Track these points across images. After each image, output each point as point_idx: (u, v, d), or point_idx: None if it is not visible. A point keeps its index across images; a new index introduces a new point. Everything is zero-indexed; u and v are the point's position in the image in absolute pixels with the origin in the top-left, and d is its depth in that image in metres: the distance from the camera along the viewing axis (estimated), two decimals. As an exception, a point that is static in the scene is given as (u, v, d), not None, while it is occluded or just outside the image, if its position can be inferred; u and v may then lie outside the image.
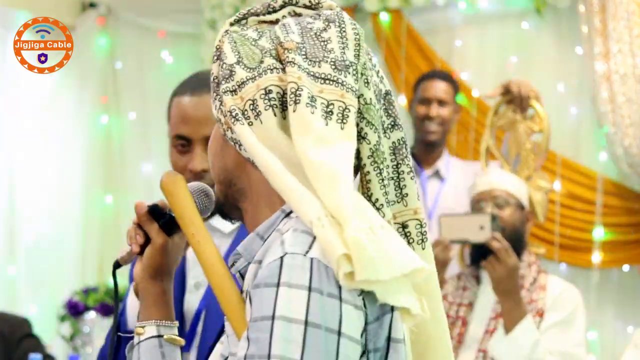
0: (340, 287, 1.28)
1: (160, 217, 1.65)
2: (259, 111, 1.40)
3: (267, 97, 1.40)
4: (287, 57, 1.40)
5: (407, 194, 1.47)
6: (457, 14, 5.36)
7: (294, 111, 1.36)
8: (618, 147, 4.76)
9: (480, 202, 3.59)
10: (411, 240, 1.48)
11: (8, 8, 4.99)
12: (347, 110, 1.38)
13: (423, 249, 1.49)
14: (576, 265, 5.01)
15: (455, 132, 5.16)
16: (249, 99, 1.41)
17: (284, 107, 1.40)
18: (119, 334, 1.74)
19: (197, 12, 5.93)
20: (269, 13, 1.50)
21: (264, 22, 1.50)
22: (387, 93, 1.49)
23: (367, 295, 1.31)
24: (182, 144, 2.12)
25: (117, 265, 1.72)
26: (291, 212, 1.39)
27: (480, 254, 3.47)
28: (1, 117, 5.86)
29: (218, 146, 1.51)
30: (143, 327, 1.64)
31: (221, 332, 1.99)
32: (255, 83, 1.41)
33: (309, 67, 1.40)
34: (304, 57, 1.40)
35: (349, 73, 1.41)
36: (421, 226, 1.49)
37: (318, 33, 1.43)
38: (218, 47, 1.49)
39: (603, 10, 4.87)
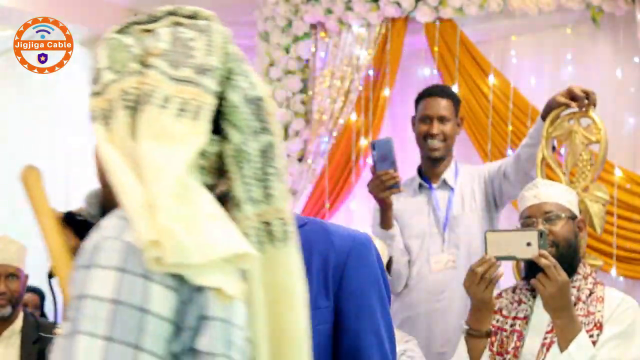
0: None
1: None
2: (116, 109, 1.49)
3: (124, 98, 1.49)
4: (151, 62, 1.50)
5: (272, 195, 1.55)
6: (512, 23, 5.31)
7: (142, 111, 1.47)
8: (677, 157, 4.70)
9: (530, 218, 3.51)
10: (274, 238, 1.55)
11: (64, 23, 5.02)
12: (200, 108, 1.48)
13: (285, 246, 1.56)
14: (634, 277, 4.94)
15: (510, 144, 5.11)
16: (110, 99, 1.51)
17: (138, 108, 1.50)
18: None
19: (250, 24, 5.96)
20: (150, 22, 1.59)
21: (147, 30, 1.58)
22: (259, 99, 1.57)
23: (179, 276, 1.39)
24: None
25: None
26: None
27: (530, 270, 3.41)
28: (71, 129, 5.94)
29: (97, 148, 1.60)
30: None
31: None
32: (118, 85, 1.51)
33: (169, 70, 1.50)
34: (169, 63, 1.50)
35: (208, 76, 1.51)
36: (284, 224, 1.55)
37: (186, 42, 1.54)
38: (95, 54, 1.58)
39: (661, 18, 4.81)
